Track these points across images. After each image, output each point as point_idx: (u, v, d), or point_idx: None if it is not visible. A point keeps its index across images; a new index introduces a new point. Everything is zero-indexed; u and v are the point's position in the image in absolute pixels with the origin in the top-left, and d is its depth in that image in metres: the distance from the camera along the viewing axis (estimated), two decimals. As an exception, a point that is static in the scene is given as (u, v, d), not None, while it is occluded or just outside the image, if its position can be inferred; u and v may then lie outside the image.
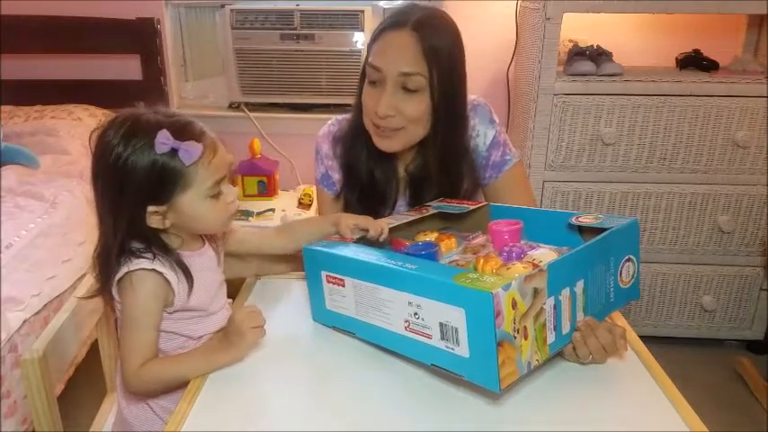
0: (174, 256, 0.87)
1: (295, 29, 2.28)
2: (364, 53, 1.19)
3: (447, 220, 1.14)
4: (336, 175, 1.23)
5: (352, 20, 2.25)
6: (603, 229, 0.85)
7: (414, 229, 1.08)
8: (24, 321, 1.35)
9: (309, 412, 0.78)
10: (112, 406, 1.16)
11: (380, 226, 1.01)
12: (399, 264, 0.81)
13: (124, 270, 0.85)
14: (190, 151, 0.82)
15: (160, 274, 0.85)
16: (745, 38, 2.19)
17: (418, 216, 1.07)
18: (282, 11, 2.27)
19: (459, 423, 0.75)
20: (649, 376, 0.84)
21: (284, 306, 1.05)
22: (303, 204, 2.26)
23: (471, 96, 1.20)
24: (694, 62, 2.04)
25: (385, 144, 1.11)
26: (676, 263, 2.05)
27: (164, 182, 0.83)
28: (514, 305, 0.69)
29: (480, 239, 1.03)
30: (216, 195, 0.87)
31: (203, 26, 2.52)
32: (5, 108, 2.25)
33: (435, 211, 1.10)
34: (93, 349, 1.26)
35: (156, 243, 0.87)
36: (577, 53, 1.97)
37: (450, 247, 1.00)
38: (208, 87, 2.58)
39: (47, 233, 1.61)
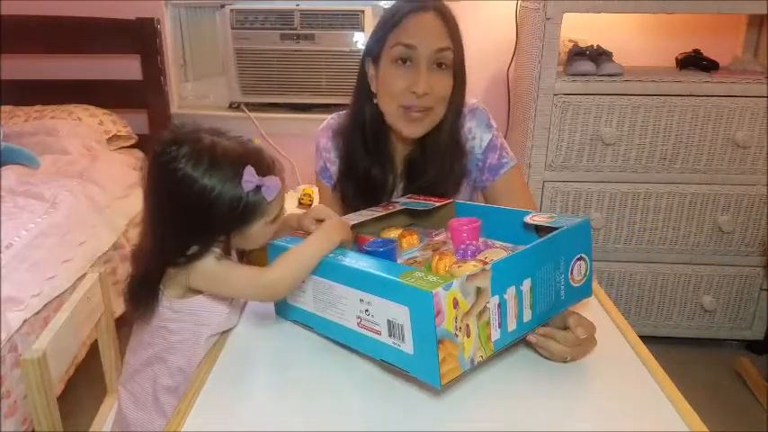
0: None
1: (295, 29, 2.28)
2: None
3: (415, 217, 1.15)
4: (334, 167, 1.25)
5: (352, 20, 2.25)
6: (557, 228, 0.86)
7: (381, 224, 1.09)
8: (24, 321, 1.35)
9: (307, 414, 0.78)
10: (112, 406, 1.16)
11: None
12: (353, 261, 0.83)
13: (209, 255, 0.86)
14: (271, 187, 0.86)
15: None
16: (745, 38, 2.19)
17: (384, 212, 1.08)
18: (282, 11, 2.27)
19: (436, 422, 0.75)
20: (649, 376, 0.84)
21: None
22: (303, 204, 2.26)
23: (472, 100, 1.21)
24: (694, 62, 2.04)
25: (413, 128, 1.12)
26: (676, 263, 2.05)
27: (245, 215, 0.86)
28: (456, 304, 0.70)
29: (442, 236, 1.05)
30: (275, 219, 0.90)
31: (203, 26, 2.52)
32: (5, 108, 2.25)
33: (402, 207, 1.10)
34: (93, 349, 1.26)
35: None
36: (577, 53, 1.97)
37: (411, 244, 1.02)
38: (208, 87, 2.58)
39: (47, 233, 1.61)
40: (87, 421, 1.16)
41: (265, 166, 0.88)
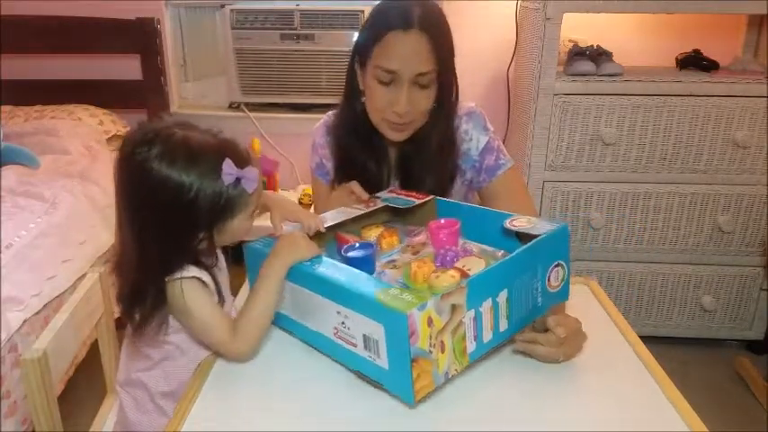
0: (211, 273, 0.89)
1: (295, 29, 2.28)
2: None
3: (396, 212, 1.15)
4: (330, 164, 1.26)
5: (351, 20, 2.25)
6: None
7: (361, 221, 1.08)
8: (24, 321, 1.35)
9: (306, 414, 0.78)
10: (112, 406, 1.16)
11: (313, 223, 0.97)
12: (330, 271, 0.82)
13: (177, 280, 0.84)
14: (251, 179, 0.84)
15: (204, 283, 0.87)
16: (745, 38, 2.20)
17: (366, 210, 1.08)
18: (282, 11, 2.27)
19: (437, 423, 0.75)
20: (649, 376, 0.84)
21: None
22: (303, 204, 2.26)
23: (470, 104, 1.23)
24: (694, 62, 2.04)
25: (397, 136, 1.15)
26: (676, 263, 2.05)
27: (226, 209, 0.84)
28: (430, 323, 0.70)
29: (422, 237, 1.04)
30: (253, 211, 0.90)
31: (203, 26, 2.52)
32: (5, 108, 2.25)
33: (383, 204, 1.10)
34: (93, 349, 1.26)
35: (198, 263, 0.87)
36: (577, 53, 1.97)
37: (391, 245, 1.02)
38: (208, 87, 2.58)
39: (47, 233, 1.61)
40: (87, 421, 1.15)
41: (242, 158, 0.85)
